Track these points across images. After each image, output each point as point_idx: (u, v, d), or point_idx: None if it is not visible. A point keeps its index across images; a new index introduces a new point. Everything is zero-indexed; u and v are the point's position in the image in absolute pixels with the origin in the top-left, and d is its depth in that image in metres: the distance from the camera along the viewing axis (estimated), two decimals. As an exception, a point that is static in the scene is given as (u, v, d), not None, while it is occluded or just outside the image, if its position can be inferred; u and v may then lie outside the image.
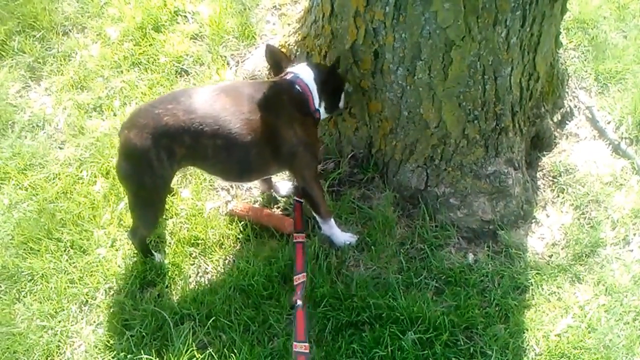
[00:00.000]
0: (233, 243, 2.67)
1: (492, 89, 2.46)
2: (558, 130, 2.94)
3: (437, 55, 2.34)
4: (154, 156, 2.20)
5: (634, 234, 2.65)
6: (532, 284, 2.52)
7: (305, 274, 2.37)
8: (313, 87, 2.39)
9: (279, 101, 2.34)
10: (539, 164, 2.87)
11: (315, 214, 2.57)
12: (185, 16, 3.59)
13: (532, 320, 2.42)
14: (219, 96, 2.27)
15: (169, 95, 2.37)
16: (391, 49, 2.39)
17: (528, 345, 2.37)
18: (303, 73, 2.41)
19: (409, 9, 2.25)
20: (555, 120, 2.91)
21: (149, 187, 2.29)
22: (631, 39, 3.31)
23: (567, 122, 2.98)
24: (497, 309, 2.44)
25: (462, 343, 2.34)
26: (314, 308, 2.41)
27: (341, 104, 2.60)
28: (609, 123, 2.98)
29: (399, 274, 2.54)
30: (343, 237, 2.61)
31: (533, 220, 2.72)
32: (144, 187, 2.30)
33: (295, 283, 2.34)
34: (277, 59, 2.51)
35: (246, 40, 3.42)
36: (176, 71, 3.31)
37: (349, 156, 2.80)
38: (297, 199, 2.59)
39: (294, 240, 2.47)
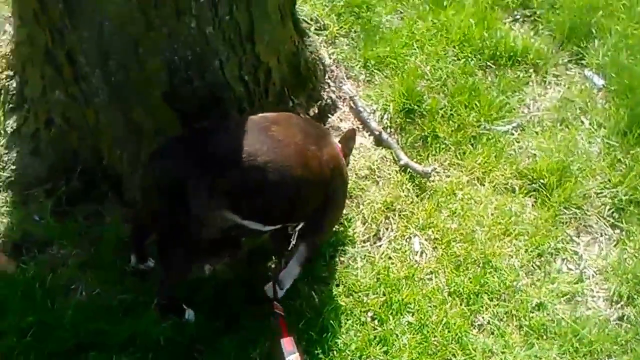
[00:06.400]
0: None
1: (204, 86, 2.26)
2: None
3: (129, 53, 2.14)
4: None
5: (386, 229, 2.47)
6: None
7: None
8: None
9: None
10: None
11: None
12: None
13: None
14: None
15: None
16: (81, 51, 2.18)
17: None
18: None
19: (83, 3, 2.06)
20: (311, 113, 2.70)
21: None
22: (407, 19, 3.06)
23: (329, 115, 2.78)
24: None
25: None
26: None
27: None
28: (373, 113, 2.79)
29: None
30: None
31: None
32: None
33: None
34: None
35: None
36: None
37: (79, 171, 2.54)
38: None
39: None
